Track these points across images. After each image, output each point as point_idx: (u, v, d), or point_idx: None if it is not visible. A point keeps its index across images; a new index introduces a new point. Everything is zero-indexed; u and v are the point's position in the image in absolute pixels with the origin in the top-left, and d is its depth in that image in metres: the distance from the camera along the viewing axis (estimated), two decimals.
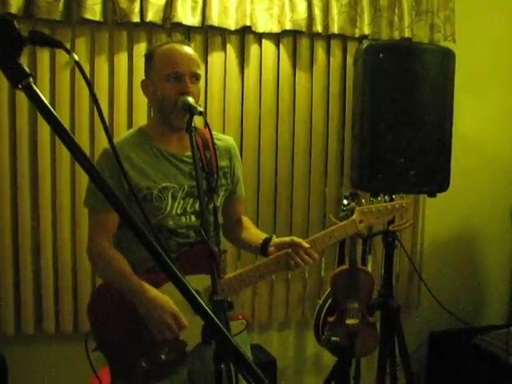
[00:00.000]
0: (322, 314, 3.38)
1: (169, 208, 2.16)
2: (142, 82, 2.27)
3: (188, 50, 2.19)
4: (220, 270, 2.14)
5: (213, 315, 1.09)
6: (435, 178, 3.37)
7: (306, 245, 2.17)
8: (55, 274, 3.47)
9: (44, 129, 3.32)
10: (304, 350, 4.05)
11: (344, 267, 3.32)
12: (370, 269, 3.93)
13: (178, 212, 2.18)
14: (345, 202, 3.11)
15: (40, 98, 1.01)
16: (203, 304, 1.08)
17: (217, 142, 2.32)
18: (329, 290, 3.43)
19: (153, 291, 2.07)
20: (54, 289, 3.48)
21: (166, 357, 2.14)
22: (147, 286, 2.08)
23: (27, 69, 1.01)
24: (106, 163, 2.13)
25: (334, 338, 3.22)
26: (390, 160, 3.29)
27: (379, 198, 3.19)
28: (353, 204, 3.04)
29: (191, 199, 2.19)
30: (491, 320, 4.15)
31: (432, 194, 3.46)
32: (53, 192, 3.42)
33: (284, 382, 3.96)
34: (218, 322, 1.09)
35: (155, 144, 2.21)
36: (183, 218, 2.18)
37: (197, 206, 2.19)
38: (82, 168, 1.03)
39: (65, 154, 3.34)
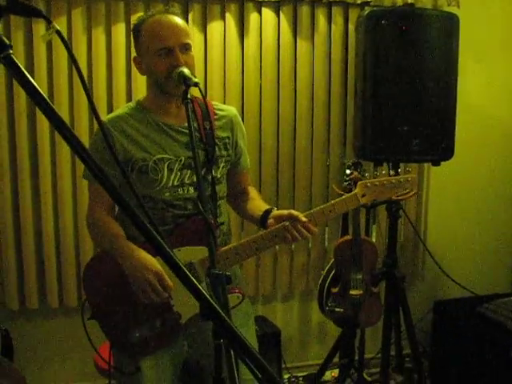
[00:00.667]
0: (326, 285, 3.37)
1: (165, 180, 2.13)
2: (134, 59, 2.22)
3: (174, 19, 2.11)
4: (217, 242, 2.13)
5: (200, 288, 1.06)
6: (439, 146, 3.33)
7: (304, 219, 2.11)
8: (57, 248, 3.47)
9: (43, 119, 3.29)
10: (308, 320, 4.06)
11: (347, 238, 3.30)
12: (374, 239, 3.92)
13: (175, 184, 2.15)
14: (347, 171, 3.09)
15: (20, 69, 0.97)
16: (191, 277, 1.06)
17: (218, 112, 2.28)
18: (332, 260, 3.42)
19: (139, 252, 2.04)
20: (57, 263, 3.48)
21: (159, 327, 2.14)
22: (134, 246, 2.06)
23: (6, 40, 0.97)
24: (101, 137, 2.15)
25: (337, 309, 3.22)
26: (392, 128, 3.24)
27: (383, 170, 3.18)
28: (355, 173, 3.01)
29: (189, 171, 2.16)
30: (496, 289, 4.13)
31: (436, 163, 3.42)
32: (53, 171, 3.41)
33: (289, 353, 3.96)
34: (207, 295, 1.06)
35: (152, 116, 2.18)
36: (180, 190, 2.15)
37: (195, 177, 2.15)
38: (64, 140, 0.99)
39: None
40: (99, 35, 3.35)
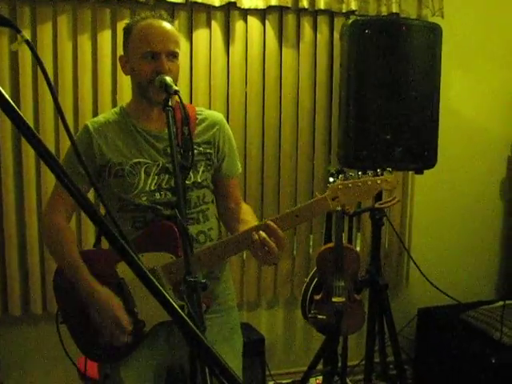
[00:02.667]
0: (309, 292, 3.38)
1: (142, 184, 2.13)
2: (120, 58, 2.22)
3: (166, 26, 2.13)
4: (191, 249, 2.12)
5: (167, 295, 1.07)
6: (422, 154, 3.35)
7: (272, 224, 2.03)
8: (41, 256, 3.46)
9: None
10: (293, 327, 4.06)
11: (329, 245, 3.30)
12: (358, 246, 3.93)
13: (152, 188, 2.14)
14: (330, 179, 3.07)
15: None
16: (159, 286, 1.06)
17: (199, 116, 2.27)
18: (315, 268, 3.42)
19: (99, 294, 2.07)
20: (41, 270, 3.46)
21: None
22: (95, 285, 2.08)
23: None
24: (81, 139, 2.17)
25: (320, 316, 3.22)
26: (376, 136, 3.27)
27: (378, 170, 3.17)
28: (338, 181, 3.02)
29: (166, 175, 2.15)
30: (479, 296, 4.15)
31: (419, 171, 3.45)
32: (37, 180, 3.39)
33: (273, 360, 3.96)
34: (175, 304, 1.06)
35: (132, 121, 2.20)
36: (157, 195, 2.14)
37: (172, 182, 2.14)
38: (30, 146, 0.99)
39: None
40: (85, 42, 3.35)
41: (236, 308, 2.41)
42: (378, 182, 2.10)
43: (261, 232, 2.00)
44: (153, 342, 2.19)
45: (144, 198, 2.14)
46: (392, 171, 2.16)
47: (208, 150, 2.24)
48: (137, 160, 2.14)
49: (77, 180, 1.12)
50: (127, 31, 2.16)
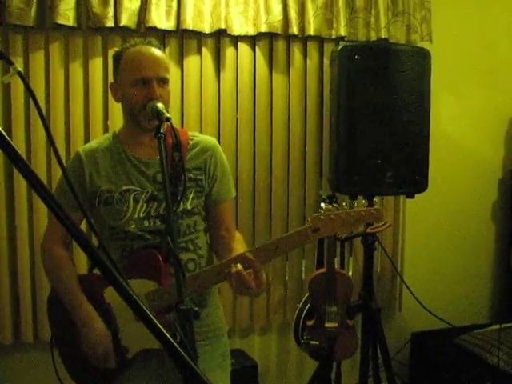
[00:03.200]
0: (302, 318, 3.36)
1: (130, 211, 2.13)
2: (111, 86, 2.24)
3: (156, 52, 2.14)
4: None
5: (157, 322, 1.06)
6: (413, 178, 3.36)
7: (250, 255, 1.97)
8: (32, 284, 3.43)
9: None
10: (286, 353, 4.03)
11: (321, 271, 3.30)
12: (350, 271, 3.93)
13: (141, 215, 2.13)
14: (322, 205, 3.10)
15: None
16: (149, 313, 1.06)
17: (191, 142, 2.25)
18: (308, 293, 3.41)
19: (93, 323, 2.09)
20: (32, 297, 3.44)
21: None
22: (92, 315, 2.10)
23: None
24: (73, 166, 2.18)
25: (312, 342, 3.21)
26: (366, 161, 3.27)
27: (356, 202, 3.18)
28: (329, 207, 3.03)
29: (155, 203, 2.15)
30: (473, 319, 4.15)
31: (410, 195, 3.45)
32: (29, 209, 3.38)
33: None
34: (162, 329, 1.06)
35: (123, 147, 2.20)
36: (146, 222, 2.14)
37: (161, 209, 2.14)
38: (24, 179, 0.99)
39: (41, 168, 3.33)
40: (76, 69, 3.37)
41: (226, 334, 2.40)
42: (363, 213, 2.00)
43: (238, 264, 1.94)
44: (143, 368, 2.18)
45: (133, 226, 2.13)
46: (377, 202, 2.08)
47: (199, 177, 2.22)
48: (126, 187, 2.14)
49: (69, 209, 1.12)
50: (117, 58, 2.18)
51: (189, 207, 2.18)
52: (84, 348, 2.10)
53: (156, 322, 1.07)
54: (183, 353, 1.09)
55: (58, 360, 2.24)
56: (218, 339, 2.31)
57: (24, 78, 1.08)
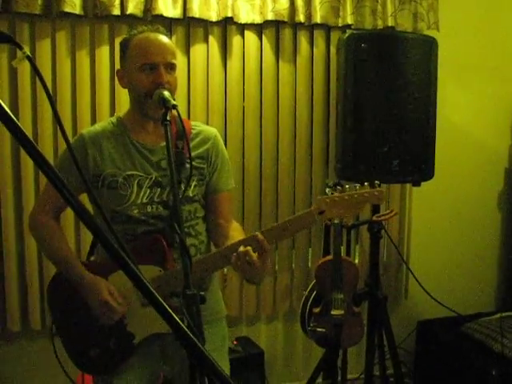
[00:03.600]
0: (308, 306, 3.37)
1: (134, 196, 2.15)
2: (118, 72, 2.26)
3: (163, 38, 2.16)
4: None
5: (167, 306, 1.07)
6: (419, 166, 3.36)
7: (260, 236, 2.00)
8: (40, 271, 3.45)
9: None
10: (292, 341, 4.05)
11: (328, 258, 3.31)
12: (356, 259, 3.94)
13: (144, 201, 2.16)
14: (327, 190, 3.10)
15: None
16: (157, 296, 1.07)
17: (193, 131, 2.28)
18: (314, 281, 3.43)
19: (89, 277, 2.13)
20: (40, 285, 3.46)
21: (113, 347, 2.16)
22: (85, 273, 2.14)
23: None
24: (75, 148, 2.17)
25: (319, 329, 3.22)
26: (373, 149, 3.28)
27: (357, 186, 3.17)
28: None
29: (159, 189, 2.17)
30: (479, 308, 4.16)
31: (416, 183, 3.46)
32: (36, 195, 3.38)
33: (272, 374, 3.96)
34: (172, 313, 1.07)
35: (128, 133, 2.21)
36: (149, 208, 2.16)
37: (164, 196, 2.17)
38: (25, 151, 0.99)
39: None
40: (83, 57, 3.37)
41: (225, 317, 2.44)
42: (366, 195, 2.04)
43: (245, 246, 1.98)
44: (146, 352, 2.21)
45: (136, 211, 2.16)
46: (380, 184, 2.12)
47: (201, 165, 2.26)
48: (130, 172, 2.16)
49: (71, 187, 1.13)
50: (124, 45, 2.19)
51: (191, 194, 2.22)
52: (93, 309, 2.11)
53: (166, 305, 1.08)
54: (192, 336, 1.11)
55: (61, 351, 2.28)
56: (217, 323, 2.36)
57: (33, 62, 1.09)
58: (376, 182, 2.08)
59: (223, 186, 2.35)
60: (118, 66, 3.33)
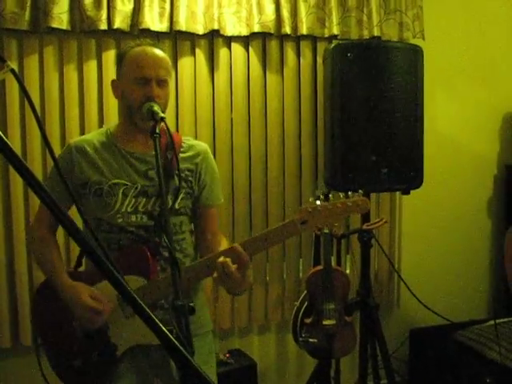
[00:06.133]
0: (300, 316, 3.37)
1: (118, 205, 2.16)
2: (113, 82, 2.29)
3: (158, 53, 2.20)
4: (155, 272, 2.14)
5: (154, 317, 1.07)
6: (408, 174, 3.38)
7: (238, 247, 2.00)
8: (31, 286, 3.42)
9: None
10: (285, 352, 4.04)
11: (318, 268, 3.31)
12: (348, 269, 3.94)
13: (129, 210, 2.17)
14: (318, 202, 3.11)
15: None
16: (144, 306, 1.07)
17: (184, 145, 2.30)
18: (306, 291, 3.42)
19: (73, 285, 2.13)
20: (31, 301, 3.41)
21: (96, 358, 2.14)
22: (69, 282, 2.14)
23: None
24: (63, 158, 2.22)
25: (311, 340, 3.22)
26: (361, 158, 3.29)
27: (350, 193, 3.18)
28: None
29: (144, 199, 2.18)
30: (472, 315, 4.16)
31: (406, 192, 3.47)
32: (26, 206, 3.38)
33: None
34: (159, 324, 1.07)
35: (116, 142, 2.24)
36: (133, 217, 2.17)
37: (149, 206, 2.18)
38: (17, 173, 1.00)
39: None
40: (71, 72, 3.38)
41: (211, 332, 2.42)
42: (349, 204, 2.02)
43: (225, 257, 1.97)
44: (133, 364, 2.21)
45: (120, 220, 2.17)
46: (366, 193, 2.10)
47: (190, 178, 2.27)
48: (116, 181, 2.17)
49: (59, 198, 1.13)
50: (121, 56, 2.23)
51: (176, 207, 2.22)
52: (76, 314, 2.11)
53: (153, 316, 1.08)
54: (181, 347, 1.10)
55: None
56: (203, 336, 2.34)
57: (17, 75, 1.08)
58: (359, 191, 2.07)
59: (213, 201, 2.37)
60: (105, 80, 3.39)
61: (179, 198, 2.22)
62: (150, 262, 2.11)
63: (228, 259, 1.95)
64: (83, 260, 2.40)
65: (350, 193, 2.04)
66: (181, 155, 2.25)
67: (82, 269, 2.40)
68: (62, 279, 2.15)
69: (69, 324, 2.16)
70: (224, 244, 2.33)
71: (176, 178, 2.20)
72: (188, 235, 2.31)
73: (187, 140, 2.35)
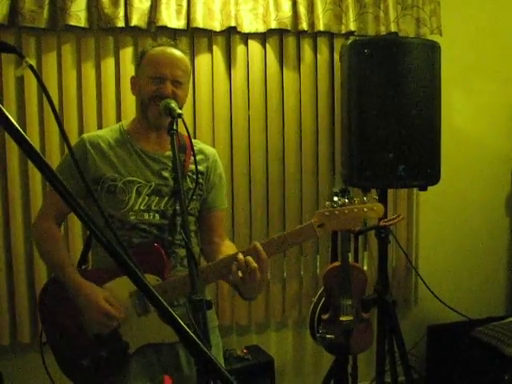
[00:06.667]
0: (317, 312, 3.37)
1: (131, 202, 2.17)
2: (131, 79, 2.32)
3: (177, 54, 2.22)
4: (168, 269, 2.15)
5: (174, 315, 1.08)
6: (425, 171, 3.36)
7: (260, 247, 1.99)
8: (29, 283, 3.43)
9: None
10: (302, 348, 4.05)
11: (336, 264, 3.31)
12: (365, 265, 3.93)
13: (142, 208, 2.17)
14: (335, 198, 3.07)
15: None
16: (164, 302, 1.08)
17: (195, 148, 2.29)
18: (323, 287, 3.42)
19: (86, 286, 2.11)
20: (29, 299, 3.43)
21: (107, 356, 2.14)
22: (81, 280, 2.13)
23: None
24: (76, 151, 2.20)
25: (328, 336, 3.22)
26: (378, 155, 3.28)
27: (366, 196, 3.18)
28: (343, 200, 3.03)
29: (157, 197, 2.19)
30: (489, 312, 4.14)
31: (423, 188, 3.45)
32: (24, 204, 3.39)
33: (283, 382, 3.95)
34: (178, 319, 1.08)
35: (131, 139, 2.25)
36: (146, 215, 2.18)
37: (162, 205, 2.19)
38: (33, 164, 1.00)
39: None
40: (89, 69, 3.40)
41: (217, 328, 2.42)
42: (365, 209, 2.09)
43: (247, 256, 1.98)
44: (144, 362, 2.21)
45: (132, 217, 2.17)
46: (379, 191, 2.12)
47: (200, 180, 2.29)
48: (130, 178, 2.18)
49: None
50: (142, 55, 2.27)
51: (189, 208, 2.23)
52: (88, 317, 2.10)
53: (172, 311, 1.09)
54: (199, 342, 1.11)
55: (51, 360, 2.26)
56: (211, 332, 2.34)
57: (35, 70, 1.09)
58: (374, 196, 2.11)
59: (219, 204, 2.39)
60: (123, 77, 3.42)
61: (192, 199, 2.24)
62: (164, 261, 2.12)
63: (250, 257, 1.96)
64: (87, 257, 2.41)
65: (365, 198, 2.08)
66: (191, 158, 2.26)
67: (84, 267, 2.40)
68: (74, 278, 2.14)
69: (78, 322, 2.15)
70: (231, 247, 2.33)
71: (188, 180, 2.23)
72: (194, 235, 2.32)
73: (196, 143, 2.37)
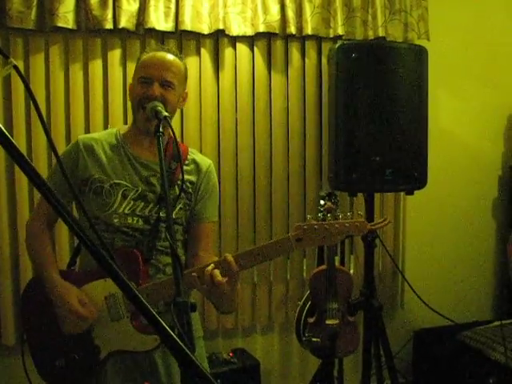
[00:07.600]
0: (303, 316, 3.37)
1: (116, 205, 2.17)
2: (129, 86, 2.33)
3: (168, 57, 2.21)
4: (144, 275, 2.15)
5: (157, 316, 1.08)
6: (412, 175, 3.37)
7: (231, 259, 1.95)
8: (14, 286, 3.40)
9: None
10: (288, 352, 4.04)
11: (322, 268, 3.31)
12: (352, 269, 3.94)
13: (126, 212, 2.17)
14: (321, 202, 3.11)
15: None
16: (148, 305, 1.07)
17: (189, 157, 2.32)
18: (309, 291, 3.43)
19: (63, 283, 2.13)
20: (14, 301, 3.39)
21: (79, 359, 2.13)
22: (59, 280, 2.14)
23: None
24: (69, 152, 2.25)
25: (314, 339, 3.22)
26: (365, 159, 3.29)
27: (349, 213, 3.17)
28: (329, 204, 3.04)
29: (142, 203, 2.19)
30: (476, 316, 4.16)
31: (410, 192, 3.47)
32: (30, 203, 3.38)
33: None
34: (161, 321, 1.07)
35: (124, 144, 2.25)
36: (130, 219, 2.18)
37: (147, 210, 2.19)
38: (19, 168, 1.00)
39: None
40: (76, 71, 3.39)
41: (202, 338, 2.40)
42: (347, 225, 2.00)
43: (214, 268, 1.95)
44: (120, 368, 2.21)
45: (116, 220, 2.17)
46: (359, 214, 2.11)
47: (189, 190, 2.28)
48: (118, 181, 2.19)
49: (61, 194, 1.14)
50: (137, 60, 2.29)
51: (173, 216, 2.22)
52: (61, 316, 2.11)
53: (155, 314, 1.08)
54: (183, 346, 1.11)
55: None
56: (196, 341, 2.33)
57: (19, 71, 1.09)
58: (359, 212, 2.07)
59: (208, 216, 2.35)
60: (111, 79, 3.43)
61: (177, 208, 2.23)
62: (141, 267, 2.11)
63: (217, 270, 1.93)
64: (77, 259, 2.40)
65: (349, 213, 2.04)
66: (184, 167, 2.27)
67: (73, 268, 2.41)
68: (52, 276, 2.15)
69: (55, 322, 2.15)
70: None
71: (177, 188, 2.22)
72: (180, 245, 2.31)
73: (193, 153, 2.36)
